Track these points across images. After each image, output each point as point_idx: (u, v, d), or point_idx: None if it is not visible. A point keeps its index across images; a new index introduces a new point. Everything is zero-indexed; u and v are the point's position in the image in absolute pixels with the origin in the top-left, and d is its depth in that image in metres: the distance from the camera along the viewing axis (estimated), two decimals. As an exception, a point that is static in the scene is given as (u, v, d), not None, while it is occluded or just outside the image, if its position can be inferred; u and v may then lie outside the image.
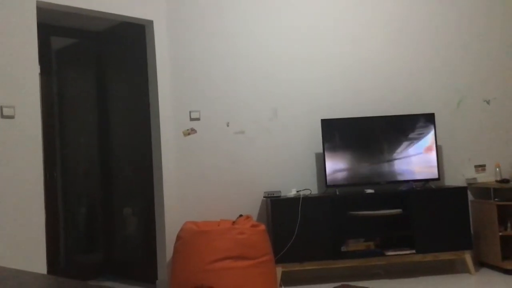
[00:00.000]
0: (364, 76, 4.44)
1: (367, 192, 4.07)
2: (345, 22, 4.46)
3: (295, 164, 4.33)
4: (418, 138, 4.20)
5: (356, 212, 4.06)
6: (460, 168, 4.43)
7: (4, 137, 3.21)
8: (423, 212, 4.01)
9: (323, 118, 4.32)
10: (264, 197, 4.13)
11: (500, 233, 3.99)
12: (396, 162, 4.17)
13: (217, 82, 4.33)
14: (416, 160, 4.18)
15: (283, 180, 4.30)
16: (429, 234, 4.00)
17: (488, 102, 4.51)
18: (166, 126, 4.20)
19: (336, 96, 4.41)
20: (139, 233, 4.52)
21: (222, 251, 3.55)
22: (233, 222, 3.92)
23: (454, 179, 4.41)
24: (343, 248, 4.03)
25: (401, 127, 4.21)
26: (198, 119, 4.28)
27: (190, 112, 4.28)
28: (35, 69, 3.43)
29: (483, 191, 4.34)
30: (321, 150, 4.28)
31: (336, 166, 4.13)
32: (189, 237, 3.67)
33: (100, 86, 4.90)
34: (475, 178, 4.32)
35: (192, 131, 4.27)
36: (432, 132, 4.21)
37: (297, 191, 4.17)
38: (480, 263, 4.28)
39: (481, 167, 4.43)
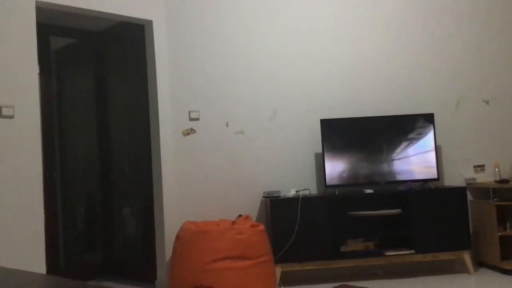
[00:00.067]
0: (363, 76, 4.44)
1: (366, 192, 4.08)
2: (345, 22, 4.46)
3: (294, 164, 4.33)
4: (417, 138, 4.20)
5: (356, 212, 4.07)
6: (459, 168, 4.43)
7: (3, 137, 3.21)
8: (422, 212, 4.02)
9: (322, 118, 4.32)
10: (263, 197, 4.13)
11: (499, 233, 3.99)
12: (395, 162, 4.17)
13: (217, 82, 4.33)
14: (415, 160, 4.18)
15: (282, 180, 4.31)
16: (428, 234, 4.00)
17: (487, 103, 4.51)
18: (165, 126, 4.20)
19: (336, 96, 4.41)
20: (139, 233, 4.52)
21: (222, 251, 3.55)
22: (233, 222, 3.92)
23: (453, 179, 4.41)
24: (342, 248, 4.03)
25: (401, 127, 4.21)
26: (197, 119, 4.28)
27: (189, 112, 4.28)
28: (35, 69, 3.43)
29: (482, 191, 4.34)
30: (320, 150, 4.28)
31: (336, 166, 4.13)
32: (189, 237, 3.67)
33: (99, 86, 4.89)
34: (474, 178, 4.33)
35: (192, 131, 4.27)
36: (432, 132, 4.21)
37: (297, 191, 4.17)
38: (479, 263, 4.28)
39: (480, 167, 4.43)
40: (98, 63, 4.90)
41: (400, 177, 4.16)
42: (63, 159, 4.68)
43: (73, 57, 4.86)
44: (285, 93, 4.38)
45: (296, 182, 4.31)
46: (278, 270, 3.90)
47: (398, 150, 4.19)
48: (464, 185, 4.34)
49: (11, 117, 3.26)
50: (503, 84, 4.53)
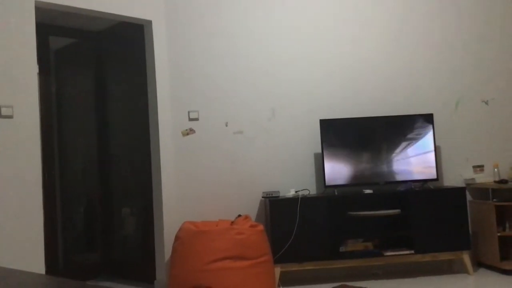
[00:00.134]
0: (363, 76, 4.44)
1: (365, 192, 4.08)
2: (345, 22, 4.46)
3: (294, 164, 4.33)
4: (416, 139, 4.20)
5: (355, 213, 4.07)
6: (459, 168, 4.44)
7: (2, 137, 3.21)
8: (421, 213, 4.02)
9: (322, 118, 4.32)
10: (262, 197, 4.13)
11: (498, 234, 3.99)
12: (394, 162, 4.18)
13: (216, 82, 4.33)
14: (415, 161, 4.18)
15: (281, 180, 4.31)
16: (428, 235, 4.00)
17: (486, 103, 4.51)
18: (165, 126, 4.20)
19: (335, 96, 4.41)
20: (138, 233, 4.52)
21: (221, 251, 3.55)
22: (232, 222, 3.92)
23: (452, 180, 4.41)
24: (342, 248, 4.03)
25: (400, 128, 4.21)
26: (196, 119, 4.28)
27: (188, 112, 4.28)
28: (34, 69, 3.42)
29: (481, 192, 4.34)
30: (320, 150, 4.28)
31: (335, 166, 4.13)
32: (188, 237, 3.67)
33: (98, 86, 4.89)
34: (473, 179, 4.33)
35: (191, 131, 4.27)
36: (431, 133, 4.21)
37: (296, 191, 4.17)
38: (478, 264, 4.29)
39: (479, 168, 4.44)
40: (97, 63, 4.90)
41: (399, 177, 4.16)
42: (63, 159, 4.68)
43: (73, 57, 4.86)
44: (285, 93, 4.38)
45: (296, 182, 4.31)
46: (278, 270, 3.90)
47: (397, 150, 4.19)
48: (463, 185, 4.34)
49: (10, 117, 3.26)
50: (502, 84, 4.53)
